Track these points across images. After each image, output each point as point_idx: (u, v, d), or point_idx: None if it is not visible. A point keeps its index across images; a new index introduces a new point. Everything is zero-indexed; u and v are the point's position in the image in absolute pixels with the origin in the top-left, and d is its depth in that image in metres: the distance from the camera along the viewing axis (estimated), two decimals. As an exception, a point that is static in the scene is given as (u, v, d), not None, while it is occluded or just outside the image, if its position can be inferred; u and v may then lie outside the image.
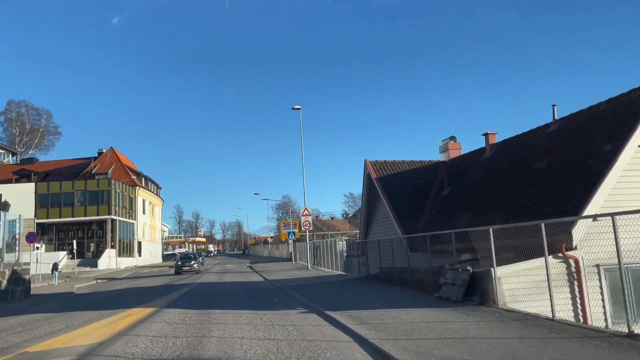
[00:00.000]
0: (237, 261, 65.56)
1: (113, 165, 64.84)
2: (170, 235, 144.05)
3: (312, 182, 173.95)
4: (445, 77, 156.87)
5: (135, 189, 62.99)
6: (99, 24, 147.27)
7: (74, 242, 46.13)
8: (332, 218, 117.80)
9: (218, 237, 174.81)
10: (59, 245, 56.24)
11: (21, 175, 62.53)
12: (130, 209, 61.02)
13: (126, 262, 57.77)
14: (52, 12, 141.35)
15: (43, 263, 41.03)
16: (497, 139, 18.07)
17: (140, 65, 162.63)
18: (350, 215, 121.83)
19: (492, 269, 10.49)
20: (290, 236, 47.24)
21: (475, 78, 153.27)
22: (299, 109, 34.97)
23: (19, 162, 74.92)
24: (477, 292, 11.12)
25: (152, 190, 72.87)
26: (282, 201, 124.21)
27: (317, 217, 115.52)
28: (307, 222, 34.18)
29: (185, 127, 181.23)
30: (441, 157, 21.43)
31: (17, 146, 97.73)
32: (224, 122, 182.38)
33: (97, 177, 57.58)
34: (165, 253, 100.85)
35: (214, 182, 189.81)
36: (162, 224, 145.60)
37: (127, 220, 59.51)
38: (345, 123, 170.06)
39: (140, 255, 64.06)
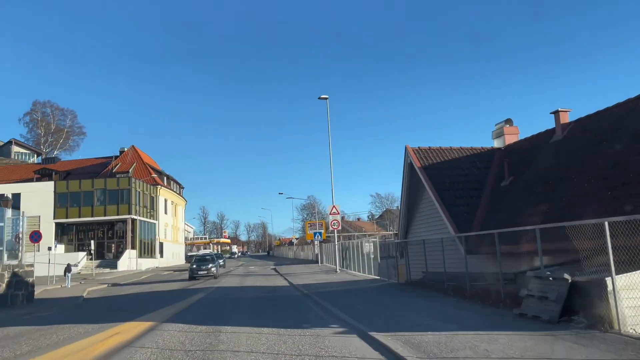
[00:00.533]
0: (260, 263, 63.15)
1: (134, 164, 63.23)
2: (195, 237, 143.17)
3: (337, 182, 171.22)
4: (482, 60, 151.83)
5: (157, 188, 61.21)
6: (119, 22, 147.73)
7: (92, 242, 44.32)
8: (359, 219, 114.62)
9: (243, 238, 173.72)
10: (78, 245, 54.74)
11: (42, 174, 61.47)
12: (151, 209, 59.24)
13: (147, 264, 55.92)
14: (75, 10, 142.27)
15: (60, 264, 39.40)
16: (569, 117, 14.88)
17: (164, 64, 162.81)
18: (376, 216, 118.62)
19: (607, 279, 7.47)
20: (316, 237, 44.50)
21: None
22: (325, 98, 32.17)
23: (41, 162, 74.17)
24: (579, 309, 8.09)
25: (175, 190, 71.14)
26: (307, 202, 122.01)
27: (343, 217, 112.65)
28: (335, 222, 31.31)
29: (208, 127, 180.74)
30: (494, 144, 18.29)
31: (42, 146, 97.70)
32: (247, 121, 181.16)
33: (117, 176, 55.86)
34: (190, 254, 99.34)
35: (238, 182, 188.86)
36: (185, 224, 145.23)
37: (148, 220, 57.71)
38: (372, 117, 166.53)
39: (162, 256, 62.24)
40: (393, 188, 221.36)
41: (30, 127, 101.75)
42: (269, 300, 16.25)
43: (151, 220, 59.02)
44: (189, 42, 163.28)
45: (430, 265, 15.63)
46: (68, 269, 31.95)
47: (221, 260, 45.09)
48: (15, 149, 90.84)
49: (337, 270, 31.72)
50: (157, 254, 60.49)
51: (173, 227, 68.96)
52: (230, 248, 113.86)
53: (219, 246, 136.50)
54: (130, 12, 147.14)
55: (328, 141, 30.74)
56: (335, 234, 32.56)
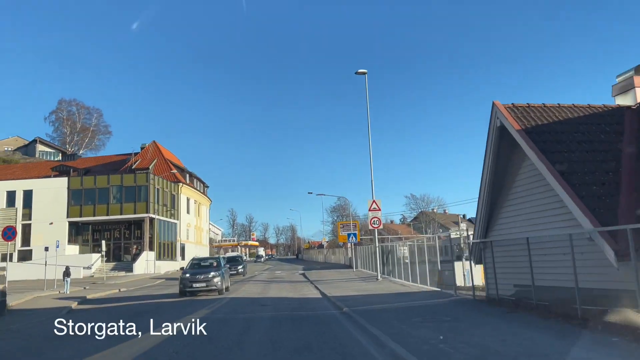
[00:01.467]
0: (288, 267, 58.30)
1: (155, 160, 59.43)
2: (223, 239, 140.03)
3: (368, 182, 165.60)
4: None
5: (178, 185, 57.17)
6: (148, 21, 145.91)
7: (103, 243, 40.31)
8: (392, 222, 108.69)
9: (272, 241, 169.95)
10: (94, 247, 51.03)
11: (60, 171, 58.32)
12: (172, 208, 55.20)
13: (166, 266, 51.79)
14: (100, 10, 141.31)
15: (74, 266, 35.45)
16: None
17: (187, 62, 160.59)
18: (410, 219, 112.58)
19: None
20: (350, 239, 39.28)
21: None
22: (364, 73, 26.99)
23: (61, 160, 71.35)
24: None
25: (198, 189, 67.13)
26: (338, 203, 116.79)
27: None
28: (375, 219, 26.04)
29: (237, 128, 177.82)
30: (617, 102, 12.80)
31: (67, 145, 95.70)
32: (275, 120, 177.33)
33: (136, 172, 52.01)
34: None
35: (267, 183, 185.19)
36: (210, 224, 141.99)
37: (168, 219, 53.66)
38: (409, 115, 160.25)
39: (183, 258, 58.04)
40: (429, 189, 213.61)
41: (55, 126, 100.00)
42: (296, 323, 11.21)
43: (172, 220, 54.96)
44: (221, 45, 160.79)
45: (540, 276, 10.25)
46: (67, 272, 27.69)
47: (240, 267, 39.57)
48: (40, 147, 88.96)
49: (379, 277, 26.45)
50: (178, 256, 56.37)
51: (196, 227, 64.88)
52: (257, 251, 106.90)
53: (247, 249, 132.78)
54: (165, 19, 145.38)
55: (367, 123, 25.44)
56: (376, 234, 27.33)
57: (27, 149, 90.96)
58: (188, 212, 61.01)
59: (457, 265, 19.27)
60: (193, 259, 25.98)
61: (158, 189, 51.49)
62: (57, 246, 33.93)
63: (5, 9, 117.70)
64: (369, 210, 26.06)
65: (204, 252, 69.51)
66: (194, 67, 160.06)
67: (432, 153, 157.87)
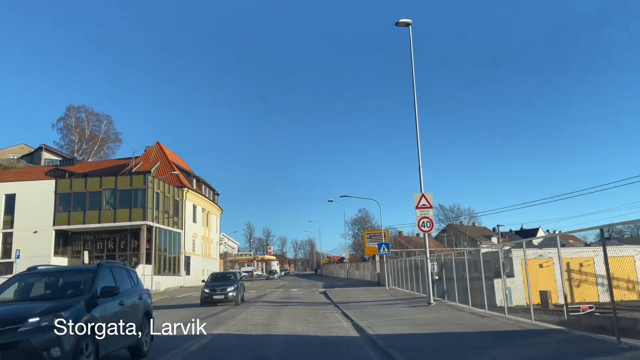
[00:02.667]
0: (307, 283, 51.14)
1: (158, 163, 53.31)
2: (239, 253, 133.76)
3: (392, 193, 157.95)
4: None
5: (183, 190, 50.79)
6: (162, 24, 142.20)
7: (85, 254, 33.95)
8: (417, 235, 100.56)
9: (289, 255, 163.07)
10: (89, 258, 44.74)
11: (56, 176, 52.39)
12: (175, 215, 48.78)
13: (168, 282, 45.20)
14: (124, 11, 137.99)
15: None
16: None
17: (208, 75, 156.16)
18: (438, 232, 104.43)
19: None
20: (381, 250, 32.14)
21: None
22: (407, 24, 20.11)
23: (59, 164, 65.76)
24: None
25: (207, 196, 60.71)
26: (359, 215, 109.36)
27: (400, 233, 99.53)
28: (426, 220, 18.82)
29: (253, 141, 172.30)
30: None
31: (75, 154, 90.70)
32: (293, 136, 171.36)
33: (132, 174, 45.78)
34: (230, 271, 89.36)
35: (284, 195, 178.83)
36: (226, 237, 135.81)
37: (169, 228, 47.18)
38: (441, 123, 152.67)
39: (188, 273, 51.48)
40: (460, 198, 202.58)
41: (64, 133, 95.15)
42: None
43: (174, 229, 48.46)
44: (235, 56, 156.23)
45: None
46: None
47: (230, 289, 23.77)
48: (46, 155, 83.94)
49: (431, 301, 19.15)
50: (182, 271, 49.74)
51: (204, 238, 58.27)
52: (270, 265, 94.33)
53: (264, 263, 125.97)
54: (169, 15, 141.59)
55: (415, 110, 18.24)
56: (426, 239, 20.09)
57: (33, 157, 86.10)
58: (194, 220, 54.51)
59: (497, 282, 18.07)
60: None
61: (158, 194, 45.13)
62: (18, 256, 27.37)
63: (11, 14, 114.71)
64: (416, 207, 18.89)
65: (213, 267, 62.79)
66: (208, 76, 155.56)
67: (461, 159, 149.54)
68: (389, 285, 33.99)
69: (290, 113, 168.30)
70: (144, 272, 41.60)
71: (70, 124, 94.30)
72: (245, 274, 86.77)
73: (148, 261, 42.43)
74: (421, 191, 19.15)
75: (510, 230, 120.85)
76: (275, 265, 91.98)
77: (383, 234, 41.32)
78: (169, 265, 47.30)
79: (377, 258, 41.85)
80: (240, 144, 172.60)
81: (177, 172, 45.17)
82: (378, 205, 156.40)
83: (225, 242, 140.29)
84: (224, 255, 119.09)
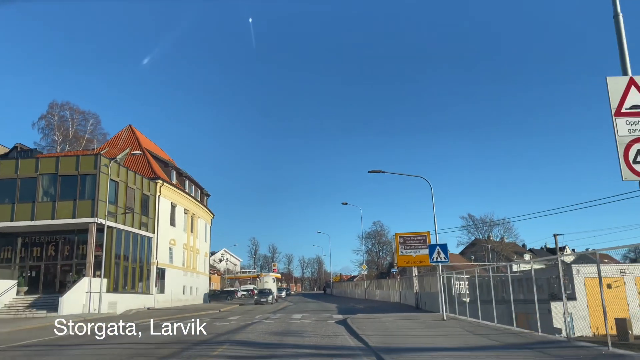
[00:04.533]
0: (315, 306, 39.06)
1: (127, 150, 42.04)
2: (242, 270, 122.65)
3: (414, 202, 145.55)
4: None
5: (156, 184, 39.31)
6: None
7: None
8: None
9: (296, 274, 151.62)
10: (19, 268, 33.19)
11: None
12: (143, 214, 37.21)
13: (129, 302, 33.53)
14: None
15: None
16: None
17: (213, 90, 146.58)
18: (464, 246, 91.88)
19: None
20: (435, 256, 20.30)
21: None
22: None
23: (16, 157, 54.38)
24: None
25: (193, 195, 49.12)
26: (373, 228, 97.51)
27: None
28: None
29: (257, 158, 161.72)
30: None
31: (57, 156, 79.71)
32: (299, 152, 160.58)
33: (79, 156, 34.29)
34: (226, 289, 77.62)
35: (292, 209, 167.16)
36: (224, 251, 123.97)
37: (134, 230, 35.59)
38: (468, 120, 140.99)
39: (161, 290, 39.64)
40: (493, 206, 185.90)
41: (45, 133, 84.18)
42: None
43: (142, 232, 36.83)
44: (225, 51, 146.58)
45: None
46: None
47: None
48: (21, 156, 73.15)
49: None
50: (152, 287, 37.90)
51: (187, 247, 46.49)
52: (262, 282, 60.94)
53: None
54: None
55: None
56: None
57: (8, 158, 75.07)
58: (173, 223, 42.84)
59: (555, 306, 16.67)
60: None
61: (117, 183, 33.64)
62: None
63: None
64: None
65: (200, 283, 50.82)
66: (209, 81, 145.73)
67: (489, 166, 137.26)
68: (446, 312, 21.91)
69: (296, 125, 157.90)
70: (91, 288, 29.94)
71: (52, 122, 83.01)
72: (244, 292, 74.51)
73: (96, 273, 30.65)
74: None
75: (542, 248, 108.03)
76: (270, 282, 58.77)
77: (424, 237, 29.44)
78: (133, 279, 35.55)
79: (415, 272, 29.81)
80: (244, 154, 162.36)
81: (138, 152, 33.45)
82: (429, 185, 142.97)
83: (227, 259, 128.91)
84: (220, 272, 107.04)
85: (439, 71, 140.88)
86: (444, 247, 20.32)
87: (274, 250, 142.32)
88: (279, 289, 66.20)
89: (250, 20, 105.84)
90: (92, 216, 31.03)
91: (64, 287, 31.47)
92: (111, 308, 31.71)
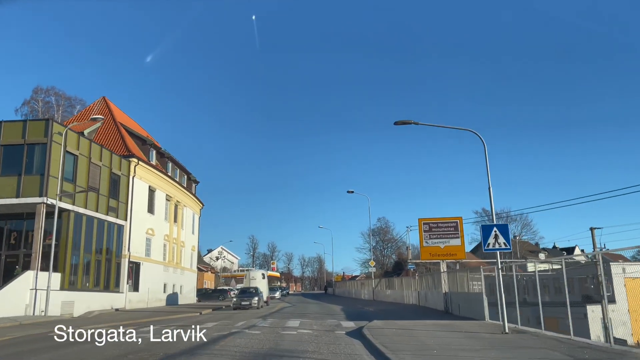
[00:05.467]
0: (316, 308, 32.91)
1: (99, 124, 36.00)
2: (239, 268, 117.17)
3: (419, 195, 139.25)
4: None
5: (130, 162, 33.22)
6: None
7: None
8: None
9: (296, 273, 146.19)
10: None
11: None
12: (112, 197, 31.14)
13: (93, 302, 27.61)
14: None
15: None
16: None
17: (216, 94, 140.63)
18: (475, 244, 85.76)
19: None
20: (491, 241, 13.88)
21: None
22: None
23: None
24: None
25: (177, 180, 43.02)
26: (378, 225, 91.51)
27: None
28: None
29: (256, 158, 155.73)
30: None
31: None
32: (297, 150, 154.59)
33: (27, 121, 28.18)
34: (219, 288, 71.96)
35: (292, 205, 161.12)
36: (221, 249, 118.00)
37: (100, 216, 29.53)
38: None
39: (135, 288, 33.59)
40: (510, 201, 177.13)
41: (29, 119, 77.98)
42: None
43: (110, 218, 30.76)
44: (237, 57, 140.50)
45: None
46: None
47: None
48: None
49: None
50: (123, 284, 31.82)
51: (169, 239, 40.40)
52: (248, 279, 40.36)
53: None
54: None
55: None
56: None
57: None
58: (151, 210, 36.75)
59: (592, 309, 14.63)
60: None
61: (76, 157, 27.57)
62: None
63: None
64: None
65: (186, 281, 44.74)
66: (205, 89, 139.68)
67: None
68: (458, 312, 15.81)
69: (297, 116, 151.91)
70: (37, 285, 23.88)
71: (36, 108, 77.22)
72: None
73: (45, 265, 24.54)
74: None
75: (555, 247, 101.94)
76: (258, 279, 39.36)
77: (456, 224, 23.33)
78: (97, 274, 29.48)
79: (444, 268, 23.61)
80: (244, 150, 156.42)
81: (99, 116, 27.03)
82: (397, 216, 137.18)
83: (224, 257, 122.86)
84: (215, 269, 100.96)
85: (438, 68, 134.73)
86: (503, 228, 14.15)
87: (274, 248, 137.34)
88: (273, 289, 56.10)
89: (254, 17, 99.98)
90: (40, 195, 24.93)
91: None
92: (66, 309, 25.70)
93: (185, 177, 46.23)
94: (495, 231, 14.02)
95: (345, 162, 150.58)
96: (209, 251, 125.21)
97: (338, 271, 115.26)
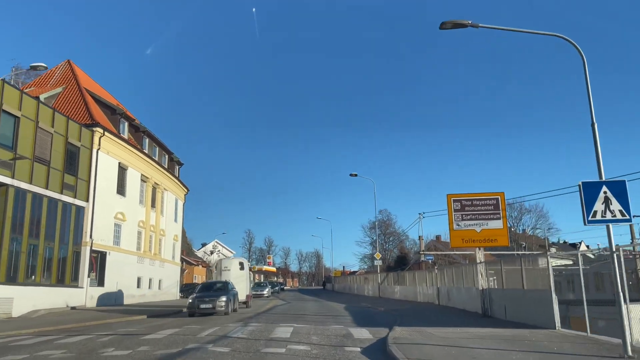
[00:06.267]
0: (314, 306, 27.65)
1: (60, 89, 30.62)
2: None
3: (426, 187, 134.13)
4: None
5: (93, 132, 27.77)
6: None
7: None
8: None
9: (293, 268, 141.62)
10: None
11: None
12: (70, 172, 25.73)
13: (41, 299, 22.60)
14: None
15: None
16: None
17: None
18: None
19: None
20: (610, 212, 8.11)
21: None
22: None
23: None
24: None
25: (156, 159, 37.60)
26: (379, 217, 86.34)
27: (438, 237, 75.77)
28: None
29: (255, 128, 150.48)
30: None
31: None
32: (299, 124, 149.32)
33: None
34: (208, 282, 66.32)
35: (289, 205, 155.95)
36: (215, 242, 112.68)
37: (50, 193, 24.14)
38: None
39: (100, 282, 28.23)
40: (525, 187, 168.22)
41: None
42: None
43: (66, 198, 25.40)
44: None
45: None
46: None
47: None
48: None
49: None
50: (83, 277, 26.46)
51: (145, 226, 35.06)
52: (219, 271, 27.51)
53: (262, 275, 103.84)
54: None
55: None
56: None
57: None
58: (122, 192, 31.36)
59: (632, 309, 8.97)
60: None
61: (17, 120, 22.18)
62: None
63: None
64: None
65: (168, 274, 39.43)
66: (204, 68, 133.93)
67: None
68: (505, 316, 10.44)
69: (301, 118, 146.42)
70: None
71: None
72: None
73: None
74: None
75: (565, 242, 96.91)
76: (233, 270, 27.55)
77: (496, 201, 18.06)
78: (48, 265, 24.09)
79: (480, 258, 18.24)
80: (239, 141, 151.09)
81: (40, 64, 21.61)
82: (399, 208, 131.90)
83: (219, 251, 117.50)
84: (206, 263, 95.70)
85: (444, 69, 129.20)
86: (618, 187, 8.80)
87: (270, 243, 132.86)
88: (261, 284, 44.71)
89: (254, 10, 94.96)
90: (-38, 165, 19.54)
91: None
92: (3, 308, 20.38)
93: (167, 157, 40.78)
94: (605, 191, 8.69)
95: (348, 148, 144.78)
96: (203, 245, 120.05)
97: (336, 267, 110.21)
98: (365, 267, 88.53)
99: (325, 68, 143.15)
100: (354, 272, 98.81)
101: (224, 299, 19.98)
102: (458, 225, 18.15)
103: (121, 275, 30.41)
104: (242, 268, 27.91)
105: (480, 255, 18.16)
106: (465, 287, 20.65)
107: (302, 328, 13.82)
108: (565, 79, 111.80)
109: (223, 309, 19.67)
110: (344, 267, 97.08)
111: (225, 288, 21.94)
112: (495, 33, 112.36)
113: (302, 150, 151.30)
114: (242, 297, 25.17)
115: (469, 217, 18.06)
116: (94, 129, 27.88)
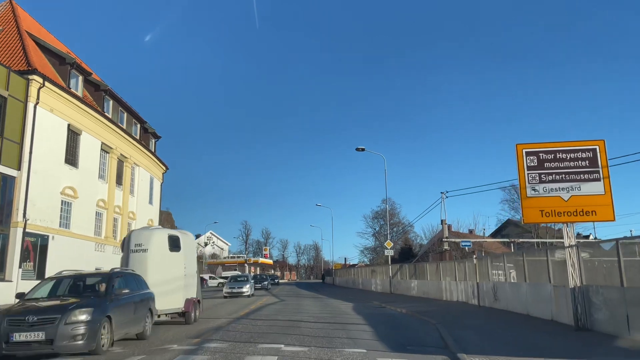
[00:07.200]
0: (313, 306, 21.40)
1: (-5, 30, 24.18)
2: (230, 255, 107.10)
3: (409, 190, 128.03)
4: None
5: (28, 81, 21.33)
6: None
7: None
8: (471, 231, 69.93)
9: (291, 260, 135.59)
10: None
11: None
12: (-9, 130, 19.32)
13: None
14: None
15: None
16: None
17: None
18: (491, 230, 74.21)
19: None
20: None
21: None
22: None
23: None
24: None
25: (124, 127, 31.16)
26: (381, 207, 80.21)
27: (449, 226, 69.50)
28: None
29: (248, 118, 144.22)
30: None
31: None
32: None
33: None
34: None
35: (286, 196, 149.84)
36: (209, 234, 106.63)
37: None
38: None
39: (40, 274, 21.83)
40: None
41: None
42: None
43: (-18, 162, 18.92)
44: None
45: None
46: None
47: None
48: None
49: None
50: (12, 266, 20.15)
51: (109, 206, 28.70)
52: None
53: (258, 267, 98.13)
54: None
55: None
56: None
57: None
58: (73, 162, 24.94)
59: None
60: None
61: None
62: None
63: None
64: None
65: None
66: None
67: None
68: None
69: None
70: None
71: None
72: (221, 280, 56.97)
73: None
74: None
75: (578, 234, 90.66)
76: (153, 247, 13.88)
77: (593, 153, 11.60)
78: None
79: (570, 240, 11.90)
80: (237, 126, 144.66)
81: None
82: (402, 198, 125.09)
83: (213, 242, 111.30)
84: (198, 256, 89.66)
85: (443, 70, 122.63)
86: None
87: (268, 235, 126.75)
88: (240, 279, 32.60)
89: None
90: None
91: None
92: None
93: (139, 126, 34.32)
94: None
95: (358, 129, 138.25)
96: (197, 236, 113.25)
97: (336, 259, 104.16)
98: (366, 260, 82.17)
99: (327, 40, 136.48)
100: (353, 265, 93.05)
101: (83, 316, 8.32)
102: (534, 190, 11.88)
103: (71, 266, 24.03)
104: (174, 248, 14.23)
105: (567, 237, 11.87)
106: (531, 283, 14.40)
107: (295, 347, 7.53)
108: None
109: (80, 333, 8.15)
110: (345, 259, 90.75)
111: (92, 292, 9.96)
112: None
113: (304, 122, 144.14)
114: (176, 303, 13.78)
115: (551, 178, 11.79)
116: (30, 76, 21.47)
